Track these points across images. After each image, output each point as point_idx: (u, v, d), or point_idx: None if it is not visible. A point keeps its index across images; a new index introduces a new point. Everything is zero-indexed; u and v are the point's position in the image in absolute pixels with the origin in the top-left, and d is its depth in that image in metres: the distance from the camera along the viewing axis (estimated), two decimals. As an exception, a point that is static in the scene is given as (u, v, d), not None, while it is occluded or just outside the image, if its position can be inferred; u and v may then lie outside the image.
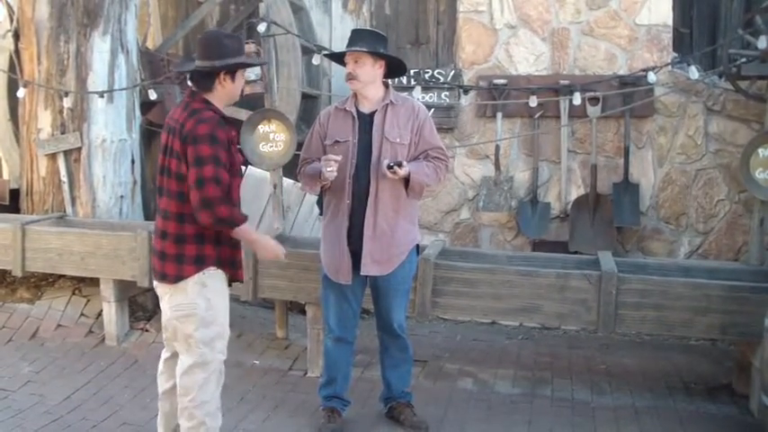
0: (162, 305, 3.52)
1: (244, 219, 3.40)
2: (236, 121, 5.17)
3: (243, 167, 3.58)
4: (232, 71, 3.42)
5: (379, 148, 3.84)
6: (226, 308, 3.51)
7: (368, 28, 3.87)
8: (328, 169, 3.76)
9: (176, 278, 3.37)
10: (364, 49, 3.80)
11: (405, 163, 3.76)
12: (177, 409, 3.51)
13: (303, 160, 4.09)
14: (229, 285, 3.57)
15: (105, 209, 6.03)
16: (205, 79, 3.41)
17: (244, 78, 3.57)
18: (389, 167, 3.72)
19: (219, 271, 3.44)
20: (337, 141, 3.90)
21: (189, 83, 5.71)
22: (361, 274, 3.91)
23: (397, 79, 6.28)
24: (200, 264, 3.37)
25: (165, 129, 3.45)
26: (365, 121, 3.90)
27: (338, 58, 4.04)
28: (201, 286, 3.38)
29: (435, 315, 4.92)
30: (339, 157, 3.78)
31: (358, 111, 3.92)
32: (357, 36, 3.90)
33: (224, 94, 3.45)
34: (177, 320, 3.42)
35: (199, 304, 3.38)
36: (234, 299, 4.06)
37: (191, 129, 3.28)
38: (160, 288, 3.50)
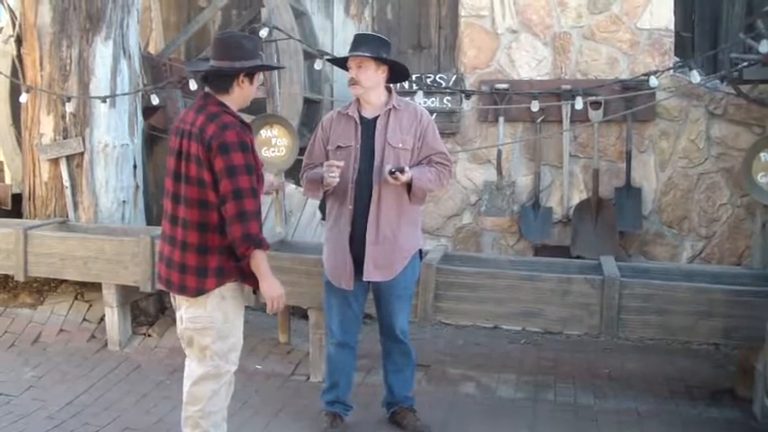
0: (178, 313, 3.46)
1: (268, 245, 3.31)
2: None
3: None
4: (251, 73, 3.36)
5: (381, 153, 3.84)
6: (241, 319, 3.46)
7: (371, 33, 3.85)
8: (331, 175, 3.76)
9: (198, 291, 3.28)
10: (367, 54, 3.80)
11: (407, 168, 3.76)
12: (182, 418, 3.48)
13: (306, 165, 4.09)
14: (254, 293, 3.54)
15: (107, 214, 6.03)
16: (222, 80, 3.32)
17: (258, 81, 3.49)
18: (391, 173, 3.72)
19: (238, 283, 3.37)
20: (340, 146, 3.90)
21: (194, 84, 5.81)
22: (364, 279, 3.91)
23: (398, 84, 6.32)
24: (221, 276, 3.29)
25: (176, 132, 3.34)
26: (368, 126, 3.89)
27: (341, 62, 4.04)
28: (221, 299, 3.32)
29: (437, 320, 4.92)
30: (341, 163, 3.78)
31: (361, 116, 3.92)
32: (360, 41, 3.89)
33: (240, 97, 3.37)
34: (194, 332, 3.36)
35: (216, 317, 3.32)
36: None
37: (215, 135, 3.17)
38: (178, 299, 3.43)
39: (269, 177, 3.73)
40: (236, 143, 3.19)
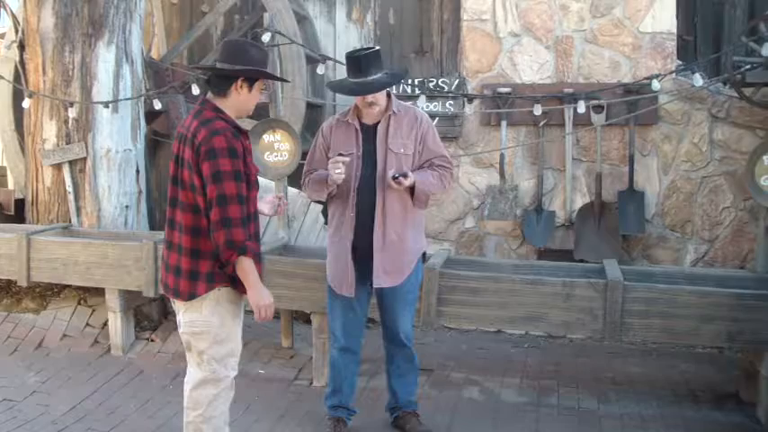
0: (177, 318, 3.46)
1: (254, 252, 3.26)
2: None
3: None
4: (250, 80, 3.33)
5: (383, 160, 3.84)
6: (239, 324, 3.44)
7: (361, 49, 3.76)
8: (336, 171, 3.74)
9: (189, 295, 3.29)
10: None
11: (410, 173, 3.76)
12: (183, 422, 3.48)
13: (307, 172, 4.08)
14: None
15: (110, 219, 6.04)
16: (222, 82, 3.31)
17: (260, 93, 3.44)
18: (394, 178, 3.72)
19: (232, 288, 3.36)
20: (341, 155, 3.86)
21: (196, 89, 5.82)
22: (375, 287, 3.91)
23: (401, 88, 6.34)
24: (212, 281, 3.28)
25: (177, 137, 3.37)
26: (368, 133, 3.89)
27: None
28: (216, 304, 3.31)
29: (441, 324, 4.90)
30: (347, 159, 3.77)
31: (360, 122, 3.91)
32: (358, 65, 3.79)
33: (238, 103, 3.34)
34: (191, 336, 3.36)
35: (212, 322, 3.31)
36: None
37: (204, 140, 3.17)
38: (176, 303, 3.43)
39: (273, 199, 3.72)
40: (224, 149, 3.16)
